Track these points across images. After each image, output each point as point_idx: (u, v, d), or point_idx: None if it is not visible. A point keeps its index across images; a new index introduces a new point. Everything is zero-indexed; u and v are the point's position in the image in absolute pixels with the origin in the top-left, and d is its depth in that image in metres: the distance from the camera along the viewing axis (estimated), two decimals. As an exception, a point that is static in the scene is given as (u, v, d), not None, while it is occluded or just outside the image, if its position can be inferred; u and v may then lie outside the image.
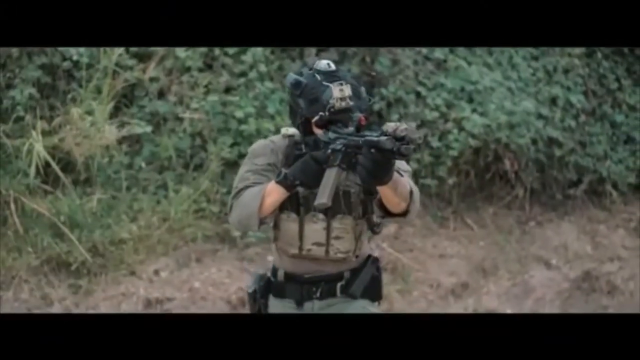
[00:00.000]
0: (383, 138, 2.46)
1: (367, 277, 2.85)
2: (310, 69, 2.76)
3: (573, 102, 6.60)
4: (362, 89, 2.77)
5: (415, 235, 5.99)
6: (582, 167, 6.62)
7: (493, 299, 5.80)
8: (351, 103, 2.71)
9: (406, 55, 6.07)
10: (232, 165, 5.32)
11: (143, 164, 5.26)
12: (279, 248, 2.85)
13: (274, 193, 2.71)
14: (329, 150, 2.65)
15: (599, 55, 6.74)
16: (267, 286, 2.87)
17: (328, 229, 2.79)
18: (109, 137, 5.08)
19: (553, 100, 6.55)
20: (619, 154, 6.79)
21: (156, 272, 5.01)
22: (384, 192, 2.62)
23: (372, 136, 2.51)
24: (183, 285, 5.02)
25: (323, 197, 2.59)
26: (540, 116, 6.38)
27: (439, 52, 6.17)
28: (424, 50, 6.12)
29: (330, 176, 2.61)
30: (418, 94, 6.06)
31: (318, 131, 2.72)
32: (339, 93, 2.69)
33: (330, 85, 2.69)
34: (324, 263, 2.82)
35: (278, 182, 2.70)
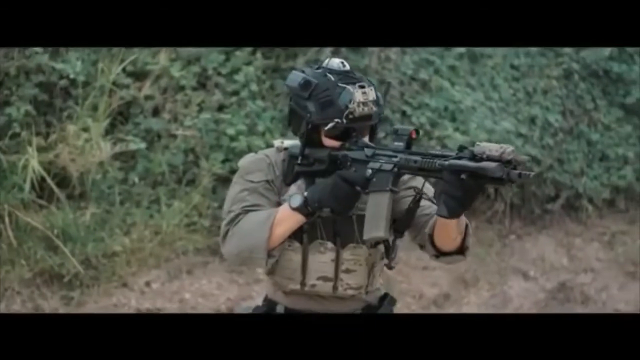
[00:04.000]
0: (492, 165, 1.79)
1: None
2: (319, 68, 2.16)
3: (551, 122, 6.45)
4: (379, 95, 2.19)
5: (401, 248, 5.76)
6: (559, 183, 6.44)
7: (473, 308, 5.65)
8: (374, 109, 2.11)
9: (392, 75, 5.87)
10: (223, 181, 5.08)
11: (137, 179, 5.02)
12: (275, 283, 2.23)
13: (289, 221, 2.08)
14: (369, 171, 2.05)
15: (576, 77, 6.60)
16: None
17: (337, 260, 2.16)
18: (104, 153, 4.85)
19: (532, 120, 6.40)
20: (595, 171, 6.64)
21: (147, 284, 4.78)
22: (448, 226, 1.98)
23: (464, 159, 1.87)
24: (173, 296, 4.80)
25: (379, 229, 1.99)
26: (519, 135, 6.21)
27: (423, 73, 5.99)
28: (409, 71, 5.94)
29: (382, 204, 1.99)
30: (404, 113, 5.87)
31: (329, 142, 2.13)
32: (362, 97, 2.09)
33: (348, 86, 2.09)
34: (330, 300, 2.21)
35: (296, 209, 2.06)
